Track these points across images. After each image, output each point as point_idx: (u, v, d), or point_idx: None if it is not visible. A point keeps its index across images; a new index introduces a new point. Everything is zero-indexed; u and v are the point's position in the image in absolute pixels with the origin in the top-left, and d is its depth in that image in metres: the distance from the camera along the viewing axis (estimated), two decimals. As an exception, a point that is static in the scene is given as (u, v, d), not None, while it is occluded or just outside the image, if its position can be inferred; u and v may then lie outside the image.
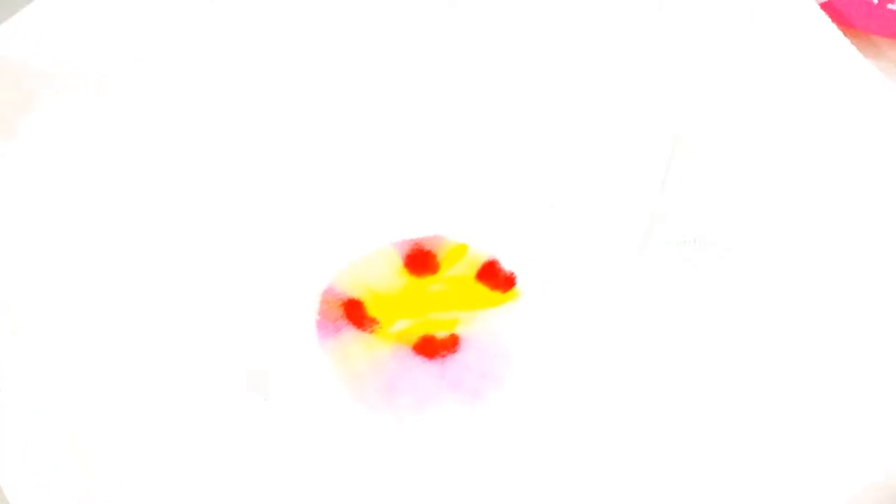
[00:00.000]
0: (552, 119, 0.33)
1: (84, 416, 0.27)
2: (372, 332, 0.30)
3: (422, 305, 0.31)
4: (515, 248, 0.32)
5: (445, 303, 0.31)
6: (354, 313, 0.30)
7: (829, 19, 0.32)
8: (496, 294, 0.31)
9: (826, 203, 0.31)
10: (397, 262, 0.31)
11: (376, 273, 0.31)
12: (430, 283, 0.31)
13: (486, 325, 0.30)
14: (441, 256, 0.31)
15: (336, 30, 0.34)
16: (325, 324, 0.30)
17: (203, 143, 0.33)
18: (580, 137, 0.33)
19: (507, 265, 0.31)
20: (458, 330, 0.30)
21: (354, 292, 0.31)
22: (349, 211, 0.33)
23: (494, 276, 0.31)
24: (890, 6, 0.34)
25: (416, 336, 0.30)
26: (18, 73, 0.31)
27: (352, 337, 0.30)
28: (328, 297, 0.31)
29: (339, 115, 0.33)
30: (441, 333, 0.30)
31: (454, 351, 0.30)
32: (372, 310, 0.30)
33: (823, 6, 0.33)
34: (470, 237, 0.32)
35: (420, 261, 0.31)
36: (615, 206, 0.32)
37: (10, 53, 0.31)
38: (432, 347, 0.30)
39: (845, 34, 0.32)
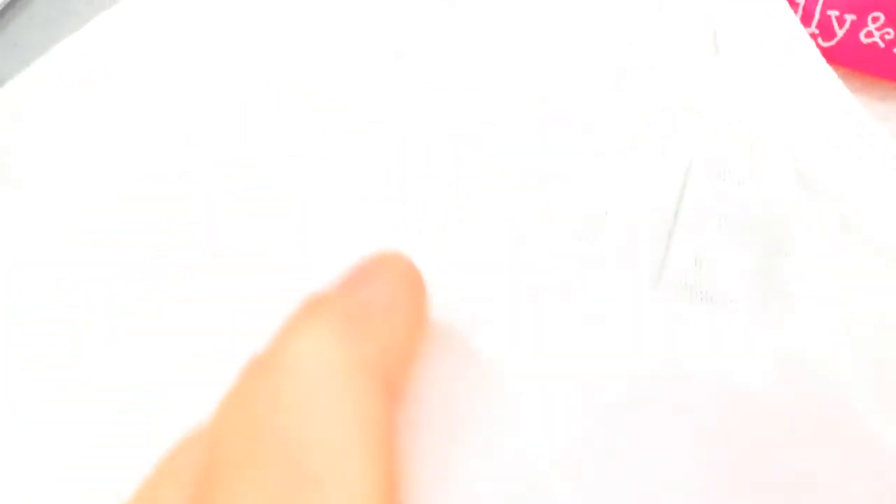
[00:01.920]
0: (557, 119, 0.33)
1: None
2: None
3: None
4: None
5: None
6: None
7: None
8: None
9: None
10: None
11: None
12: None
13: None
14: None
15: (336, 30, 0.34)
16: None
17: (197, 142, 0.32)
18: (585, 136, 0.33)
19: None
20: None
21: None
22: (346, 208, 0.32)
23: None
24: (896, 50, 0.34)
25: None
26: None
27: None
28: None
29: (336, 118, 0.33)
30: None
31: None
32: None
33: (828, 50, 0.33)
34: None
35: None
36: (624, 209, 0.31)
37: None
38: None
39: (851, 76, 0.32)
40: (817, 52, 0.32)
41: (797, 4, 0.34)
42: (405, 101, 0.33)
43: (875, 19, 0.34)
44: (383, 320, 0.19)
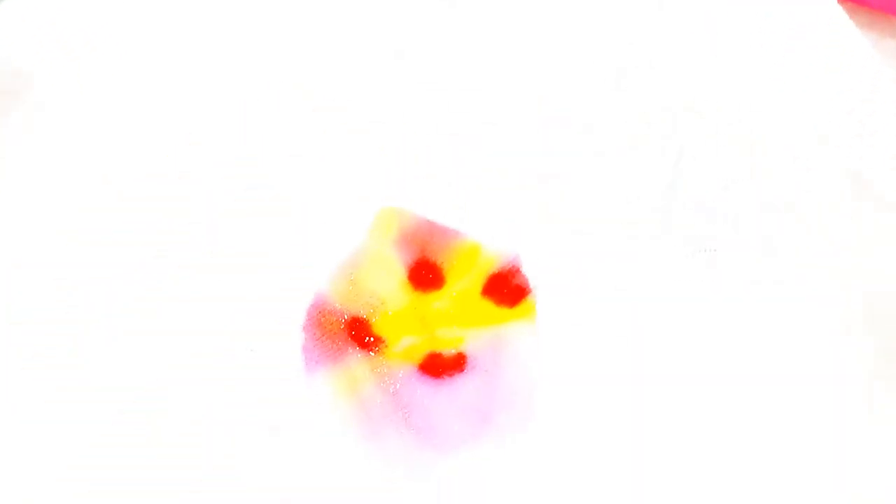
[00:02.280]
0: (557, 119, 0.33)
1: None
2: (377, 352, 0.29)
3: (427, 322, 0.30)
4: (526, 256, 0.31)
5: (451, 319, 0.30)
6: (360, 333, 0.30)
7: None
8: (503, 310, 0.30)
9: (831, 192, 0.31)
10: (400, 274, 0.30)
11: (380, 288, 0.30)
12: (435, 299, 0.30)
13: (493, 344, 0.29)
14: (447, 268, 0.30)
15: (335, 30, 0.34)
16: (327, 347, 0.29)
17: (197, 142, 0.32)
18: (585, 136, 0.33)
19: (518, 275, 0.30)
20: (465, 348, 0.29)
21: (358, 310, 0.30)
22: (346, 208, 0.32)
23: (501, 291, 0.30)
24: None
25: (421, 354, 0.29)
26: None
27: (358, 359, 0.29)
28: (327, 317, 0.30)
29: (336, 118, 0.33)
30: (447, 351, 0.29)
31: (461, 370, 0.29)
32: (377, 328, 0.30)
33: None
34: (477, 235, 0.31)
35: (425, 274, 0.30)
36: (625, 210, 0.31)
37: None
38: (439, 366, 0.29)
39: (858, 11, 0.32)
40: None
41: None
42: (405, 101, 0.33)
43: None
44: None
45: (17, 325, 0.29)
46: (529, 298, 0.30)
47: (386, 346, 0.29)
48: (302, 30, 0.34)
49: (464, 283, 0.30)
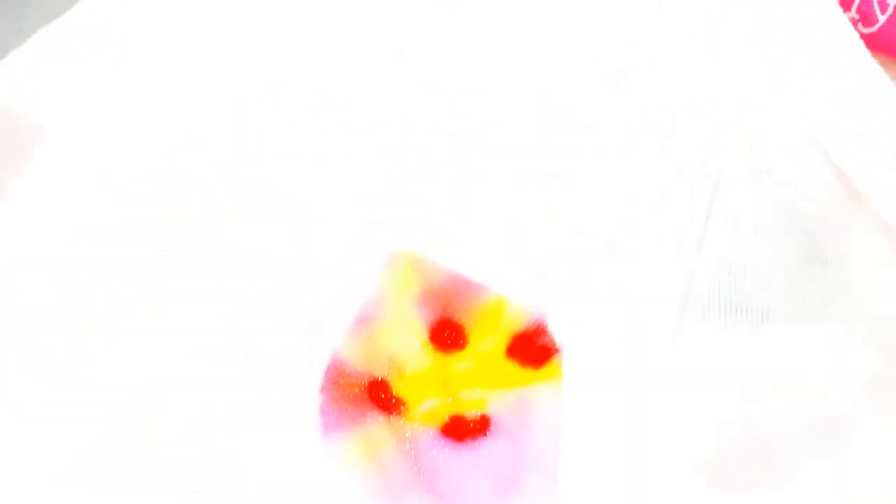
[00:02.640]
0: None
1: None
2: (399, 415, 0.29)
3: (450, 383, 0.29)
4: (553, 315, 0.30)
5: (474, 380, 0.29)
6: (380, 395, 0.29)
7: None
8: (528, 371, 0.29)
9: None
10: (422, 334, 0.30)
11: (400, 348, 0.30)
12: (457, 360, 0.30)
13: (517, 406, 0.29)
14: (470, 327, 0.30)
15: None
16: (345, 409, 0.29)
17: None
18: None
19: (543, 335, 0.30)
20: (489, 410, 0.29)
21: (378, 371, 0.29)
22: (354, 250, 0.31)
23: (526, 352, 0.30)
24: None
25: (444, 417, 0.29)
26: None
27: (379, 422, 0.29)
28: (346, 378, 0.29)
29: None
30: (471, 414, 0.29)
31: (485, 434, 0.29)
32: (398, 390, 0.29)
33: (869, 37, 0.32)
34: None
35: (447, 334, 0.30)
36: (650, 269, 0.30)
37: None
38: (462, 429, 0.29)
39: (893, 64, 0.31)
40: (858, 38, 0.30)
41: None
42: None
43: (920, 2, 0.32)
44: None
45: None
46: (555, 360, 0.29)
47: (407, 409, 0.29)
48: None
49: (487, 343, 0.30)
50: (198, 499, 0.28)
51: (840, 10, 0.31)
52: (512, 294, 0.30)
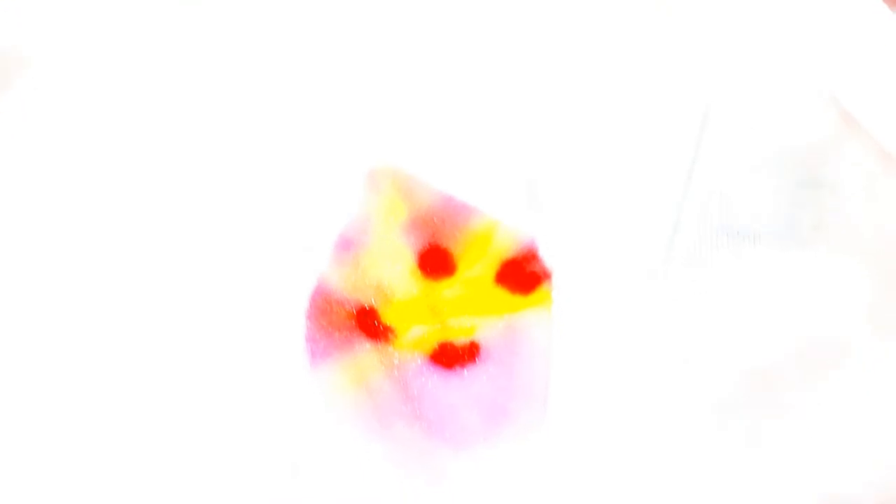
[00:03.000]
0: (567, 103, 0.31)
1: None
2: (387, 342, 0.28)
3: (438, 310, 0.29)
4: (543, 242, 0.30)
5: (463, 307, 0.29)
6: (368, 323, 0.29)
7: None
8: (517, 298, 0.29)
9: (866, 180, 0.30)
10: (409, 261, 0.29)
11: (388, 275, 0.29)
12: (446, 287, 0.29)
13: (507, 333, 0.29)
14: (458, 254, 0.29)
15: (328, 19, 0.33)
16: (333, 337, 0.28)
17: (164, 122, 0.31)
18: (597, 117, 0.31)
19: (533, 261, 0.29)
20: (478, 337, 0.28)
21: (366, 298, 0.29)
22: (340, 171, 0.30)
23: (515, 278, 0.29)
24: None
25: (432, 344, 0.28)
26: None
27: (367, 350, 0.28)
28: (333, 305, 0.29)
29: (325, 73, 0.31)
30: (460, 341, 0.28)
31: (474, 361, 0.28)
32: (386, 317, 0.29)
33: None
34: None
35: (435, 261, 0.29)
36: (641, 197, 0.30)
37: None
38: (451, 356, 0.28)
39: None
40: None
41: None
42: (393, 20, 0.32)
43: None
44: None
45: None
46: (545, 286, 0.29)
47: (395, 336, 0.29)
48: (293, 20, 0.32)
49: (476, 269, 0.29)
50: (183, 430, 0.27)
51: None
52: (501, 218, 0.29)
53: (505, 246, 0.29)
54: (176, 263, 0.29)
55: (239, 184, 0.29)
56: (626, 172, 0.30)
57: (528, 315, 0.28)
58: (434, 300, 0.29)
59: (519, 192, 0.30)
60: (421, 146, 0.30)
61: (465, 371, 0.28)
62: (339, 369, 0.28)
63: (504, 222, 0.29)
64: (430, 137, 0.30)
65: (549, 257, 0.29)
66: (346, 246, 0.29)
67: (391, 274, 0.29)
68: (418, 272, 0.29)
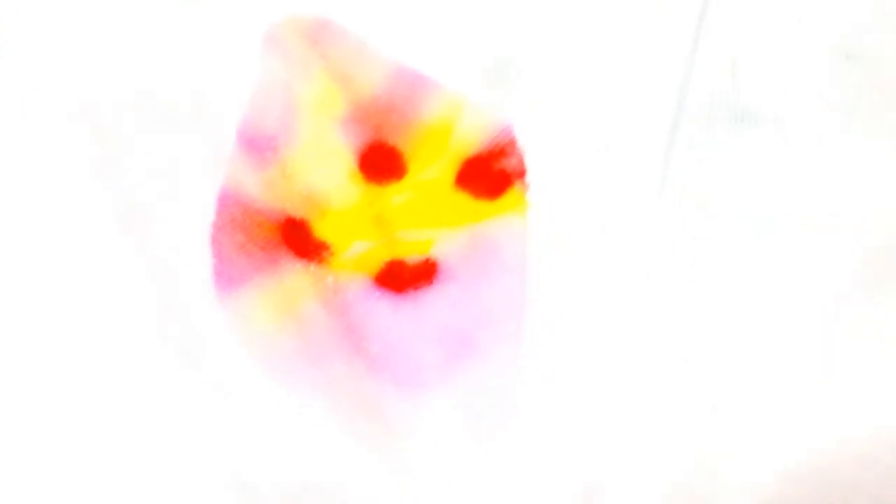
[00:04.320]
0: None
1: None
2: (321, 261, 0.25)
3: (385, 221, 0.26)
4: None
5: (416, 217, 0.26)
6: (297, 238, 0.25)
7: None
8: (483, 203, 0.25)
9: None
10: (349, 161, 0.26)
11: (322, 180, 0.26)
12: (394, 193, 0.26)
13: (470, 247, 0.25)
14: (409, 151, 0.26)
15: None
16: (253, 256, 0.25)
17: None
18: None
19: (502, 158, 0.26)
20: (434, 253, 0.25)
21: (294, 209, 0.25)
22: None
23: (479, 180, 0.26)
24: None
25: (378, 263, 0.25)
26: None
27: (295, 270, 0.25)
28: (253, 218, 0.25)
29: None
30: (413, 258, 0.25)
31: (430, 282, 0.25)
32: (320, 231, 0.25)
33: None
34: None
35: (380, 160, 0.26)
36: (637, 71, 0.26)
37: None
38: (402, 277, 0.25)
39: None
40: None
41: None
42: None
43: None
44: None
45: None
46: (517, 187, 0.25)
47: (332, 254, 0.25)
48: None
49: (432, 171, 0.26)
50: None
51: None
52: (463, 103, 0.26)
53: (467, 139, 0.26)
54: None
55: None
56: (617, 40, 0.26)
57: (497, 224, 0.25)
58: (380, 209, 0.26)
59: (486, 69, 0.26)
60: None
61: (420, 294, 0.25)
62: (259, 296, 0.25)
63: (467, 108, 0.26)
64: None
65: (522, 151, 0.26)
66: (267, 144, 0.25)
67: (326, 178, 0.26)
68: (359, 175, 0.26)
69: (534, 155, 0.26)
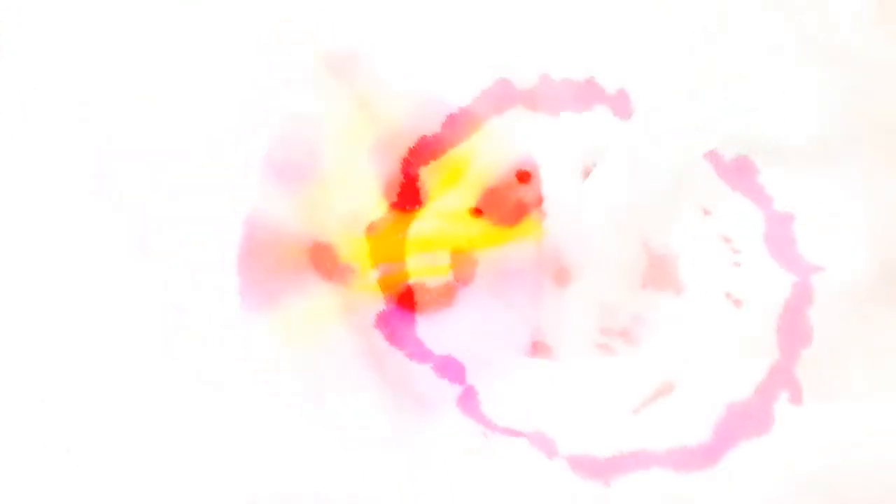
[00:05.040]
0: None
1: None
2: (345, 284, 0.25)
3: (408, 245, 0.26)
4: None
5: (437, 242, 0.26)
6: (323, 260, 0.26)
7: None
8: (501, 230, 0.26)
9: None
10: (374, 189, 0.26)
11: (349, 206, 0.26)
12: (417, 218, 0.26)
13: (489, 270, 0.25)
14: (431, 180, 0.26)
15: None
16: (281, 278, 0.25)
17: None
18: None
19: (520, 188, 0.26)
20: (454, 276, 0.26)
21: (321, 233, 0.26)
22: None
23: (498, 208, 0.26)
24: None
25: (400, 285, 0.25)
26: None
27: (321, 292, 0.25)
28: (283, 241, 0.26)
29: None
30: (432, 281, 0.25)
31: (449, 304, 0.25)
32: (346, 255, 0.26)
33: None
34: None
35: (404, 189, 0.26)
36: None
37: None
38: (422, 299, 0.25)
39: None
40: None
41: None
42: None
43: None
44: None
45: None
46: (534, 215, 0.26)
47: (356, 277, 0.25)
48: None
49: (452, 198, 0.26)
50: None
51: None
52: (485, 129, 0.26)
53: (488, 169, 0.26)
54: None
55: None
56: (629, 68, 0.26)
57: (513, 249, 0.26)
58: (403, 233, 0.26)
59: (507, 98, 0.26)
60: (382, 32, 0.26)
61: (439, 316, 0.25)
62: (286, 315, 0.25)
63: (488, 137, 0.26)
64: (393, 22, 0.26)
65: (540, 181, 0.26)
66: (295, 172, 0.26)
67: (353, 204, 0.26)
68: (384, 202, 0.26)
69: (550, 184, 0.26)
